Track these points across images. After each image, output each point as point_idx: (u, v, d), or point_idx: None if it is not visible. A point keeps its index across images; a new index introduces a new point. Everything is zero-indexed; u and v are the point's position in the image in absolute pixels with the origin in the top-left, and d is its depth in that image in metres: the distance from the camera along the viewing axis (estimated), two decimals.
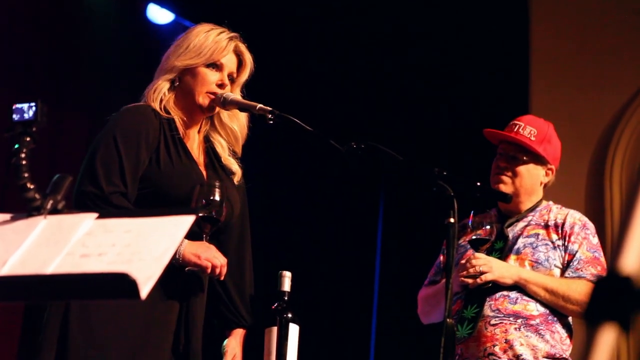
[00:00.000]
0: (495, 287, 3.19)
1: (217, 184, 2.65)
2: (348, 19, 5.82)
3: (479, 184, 2.76)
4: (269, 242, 5.05)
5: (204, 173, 2.77)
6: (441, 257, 3.47)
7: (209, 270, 2.60)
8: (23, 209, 1.51)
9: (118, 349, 2.53)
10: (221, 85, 2.80)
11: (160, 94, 2.78)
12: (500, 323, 3.15)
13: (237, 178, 2.87)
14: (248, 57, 2.87)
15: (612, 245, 3.63)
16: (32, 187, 1.50)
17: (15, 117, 1.55)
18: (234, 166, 2.87)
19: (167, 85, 2.80)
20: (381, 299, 5.55)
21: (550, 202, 3.42)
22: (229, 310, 2.85)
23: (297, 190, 5.69)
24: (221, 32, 2.83)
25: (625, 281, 0.96)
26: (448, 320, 2.46)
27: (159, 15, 5.54)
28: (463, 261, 3.21)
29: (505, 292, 3.19)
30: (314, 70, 5.78)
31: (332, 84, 5.78)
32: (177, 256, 2.57)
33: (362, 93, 5.79)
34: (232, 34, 2.85)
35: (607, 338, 0.95)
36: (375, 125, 5.50)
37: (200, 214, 2.57)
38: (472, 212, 3.28)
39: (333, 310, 5.51)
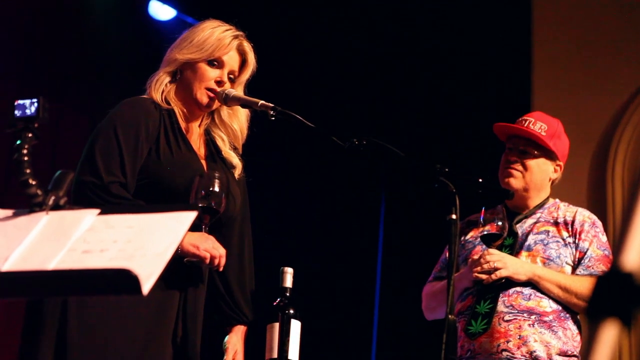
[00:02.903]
0: (508, 283, 3.18)
1: (216, 174, 2.64)
2: (350, 15, 5.81)
3: (480, 180, 2.74)
4: (271, 238, 5.04)
5: (204, 164, 2.77)
6: (447, 253, 3.44)
7: (207, 261, 2.58)
8: (25, 205, 1.51)
9: (117, 346, 2.51)
10: (220, 83, 2.78)
11: (162, 85, 2.78)
12: (514, 319, 3.14)
13: (237, 172, 2.86)
14: (251, 57, 2.85)
15: (614, 242, 3.63)
16: (34, 183, 1.50)
17: (17, 113, 1.55)
18: (235, 159, 2.86)
19: (168, 77, 2.80)
20: (383, 295, 5.55)
21: (557, 200, 3.41)
22: (230, 307, 2.84)
23: (299, 185, 5.69)
24: (227, 30, 2.82)
25: (627, 277, 0.96)
26: (450, 316, 2.45)
27: (161, 11, 5.54)
28: (476, 257, 3.21)
29: (518, 288, 3.18)
30: (316, 66, 5.77)
31: (334, 80, 5.78)
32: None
33: (364, 89, 5.78)
34: (238, 33, 2.83)
35: (609, 334, 0.95)
36: (377, 122, 5.50)
37: (200, 205, 2.57)
38: (484, 207, 3.26)
39: (335, 306, 5.51)
